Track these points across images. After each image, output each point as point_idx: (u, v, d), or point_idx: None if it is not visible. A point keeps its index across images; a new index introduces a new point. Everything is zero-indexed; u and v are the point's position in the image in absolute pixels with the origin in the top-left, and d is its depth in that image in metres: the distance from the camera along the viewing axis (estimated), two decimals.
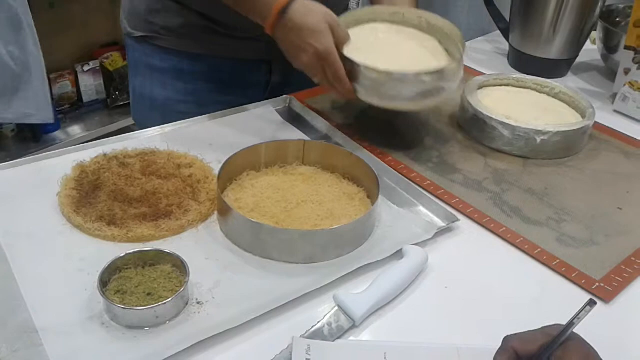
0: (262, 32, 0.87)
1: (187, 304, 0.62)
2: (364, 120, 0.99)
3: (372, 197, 0.76)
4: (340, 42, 0.85)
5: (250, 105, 1.01)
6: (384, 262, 0.69)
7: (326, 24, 0.83)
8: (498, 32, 1.30)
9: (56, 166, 0.80)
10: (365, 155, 0.86)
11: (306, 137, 0.91)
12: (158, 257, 0.65)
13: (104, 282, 0.61)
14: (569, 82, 1.20)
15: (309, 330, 0.60)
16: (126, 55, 1.16)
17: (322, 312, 0.63)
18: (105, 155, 0.83)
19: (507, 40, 1.27)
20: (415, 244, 0.70)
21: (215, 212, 0.75)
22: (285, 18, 0.83)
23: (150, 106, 1.11)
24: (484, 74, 1.12)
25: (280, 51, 0.87)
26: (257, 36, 0.90)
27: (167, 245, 0.69)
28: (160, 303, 0.59)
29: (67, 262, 0.66)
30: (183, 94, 1.07)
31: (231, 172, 0.79)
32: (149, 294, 0.62)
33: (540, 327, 0.52)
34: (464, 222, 0.77)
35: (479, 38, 1.38)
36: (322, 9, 0.85)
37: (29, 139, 2.31)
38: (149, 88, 1.09)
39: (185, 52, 1.04)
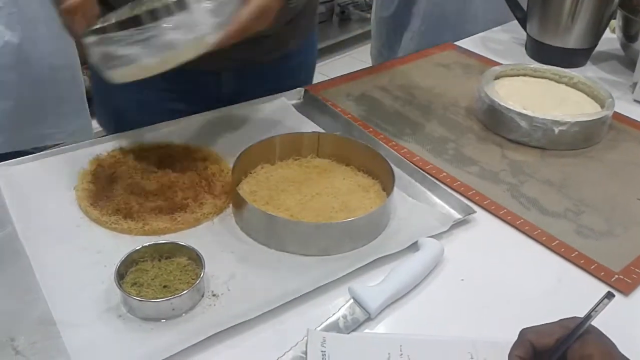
0: None
1: (202, 296, 0.63)
2: (379, 112, 0.98)
3: (387, 189, 0.75)
4: None
5: (265, 98, 1.00)
6: (400, 255, 0.68)
7: None
8: (515, 21, 1.28)
9: (73, 160, 0.81)
10: (380, 147, 0.85)
11: (321, 130, 0.91)
12: (174, 250, 0.66)
13: (121, 275, 0.62)
14: (588, 72, 1.18)
15: (324, 322, 0.60)
16: None
17: (337, 304, 0.62)
18: (121, 148, 0.83)
19: (525, 30, 1.25)
20: (431, 236, 0.70)
21: (230, 205, 0.76)
22: None
23: (105, 112, 1.10)
24: (501, 64, 1.10)
25: (230, 61, 0.82)
26: None
27: (183, 238, 0.69)
28: (176, 295, 0.59)
29: (84, 255, 0.67)
30: (135, 104, 1.00)
31: (246, 165, 0.79)
32: (165, 287, 0.62)
33: (557, 320, 0.52)
34: (480, 214, 0.76)
35: (496, 28, 1.36)
36: None
37: None
38: (103, 94, 1.08)
39: None
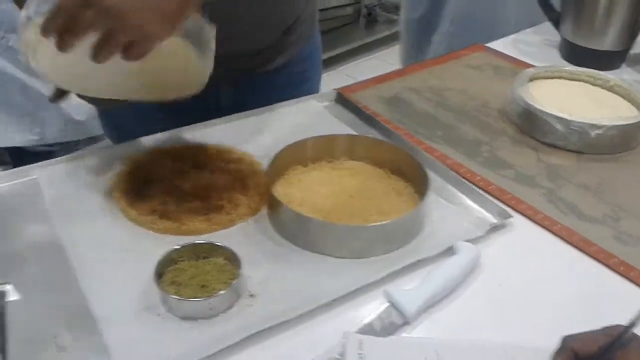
0: None
1: (239, 296, 0.63)
2: (411, 115, 0.98)
3: (421, 192, 0.75)
4: None
5: (295, 100, 1.01)
6: (435, 259, 0.68)
7: None
8: (548, 23, 1.26)
9: (110, 160, 0.82)
10: (413, 149, 0.85)
11: (353, 132, 0.91)
12: (211, 250, 0.66)
13: (159, 274, 0.63)
14: (624, 74, 1.16)
15: (360, 325, 0.60)
16: None
17: (372, 308, 0.62)
18: (157, 149, 0.84)
19: (558, 32, 1.23)
20: (467, 241, 0.69)
21: (265, 207, 0.76)
22: None
23: (106, 125, 1.10)
24: (534, 66, 1.09)
25: (228, 73, 0.82)
26: None
27: (218, 238, 0.70)
28: (214, 295, 0.60)
29: (122, 253, 0.68)
30: (132, 116, 0.97)
31: (279, 167, 0.79)
32: (202, 286, 0.63)
33: (599, 327, 0.51)
34: (516, 219, 0.75)
35: (527, 30, 1.34)
36: None
37: None
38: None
39: None
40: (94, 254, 0.67)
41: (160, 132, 0.89)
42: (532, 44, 1.28)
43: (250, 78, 0.98)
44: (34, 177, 0.79)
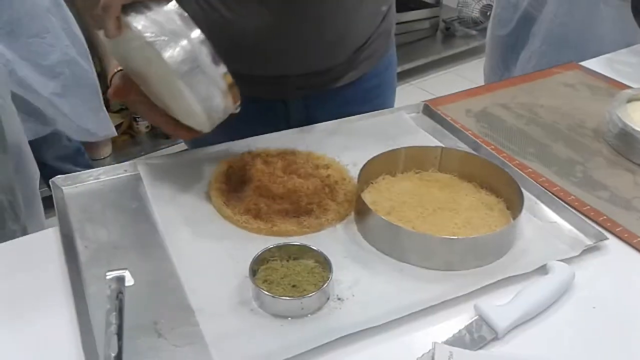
0: (276, 72, 0.82)
1: (328, 299, 0.64)
2: (501, 130, 0.97)
3: (513, 208, 0.74)
4: None
5: (384, 110, 1.02)
6: (526, 277, 0.67)
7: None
8: None
9: (206, 160, 0.86)
10: (505, 165, 0.84)
11: (441, 144, 0.91)
12: (301, 252, 0.68)
13: (253, 271, 0.65)
14: None
15: (450, 337, 0.60)
16: None
17: (460, 320, 0.62)
18: (250, 152, 0.87)
19: None
20: (561, 261, 0.68)
21: (353, 213, 0.77)
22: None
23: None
24: (630, 87, 1.05)
25: (298, 90, 0.81)
26: (272, 77, 0.86)
27: (307, 241, 0.71)
28: (306, 295, 0.61)
29: (218, 249, 0.71)
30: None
31: (368, 175, 0.80)
32: (293, 286, 0.64)
33: None
34: (612, 241, 0.73)
35: (623, 50, 1.30)
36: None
37: (160, 135, 2.47)
38: None
39: None
40: (191, 248, 0.70)
41: (222, 138, 0.89)
42: (629, 64, 1.24)
43: (321, 94, 0.98)
44: (136, 172, 0.83)
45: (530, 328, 0.62)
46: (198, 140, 0.85)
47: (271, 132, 0.93)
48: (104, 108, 1.81)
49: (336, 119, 0.97)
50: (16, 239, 0.74)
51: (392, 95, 1.13)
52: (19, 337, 0.60)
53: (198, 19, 0.66)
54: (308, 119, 0.98)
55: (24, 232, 0.94)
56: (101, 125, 1.80)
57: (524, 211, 0.72)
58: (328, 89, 0.93)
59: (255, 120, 0.95)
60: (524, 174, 0.83)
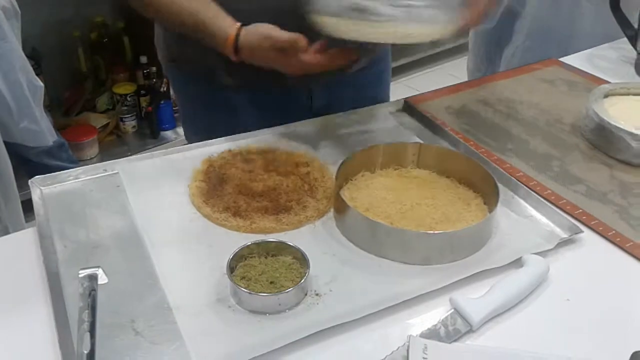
0: None
1: (306, 294, 0.65)
2: (480, 126, 0.97)
3: (490, 203, 0.75)
4: (293, 46, 0.81)
5: (365, 108, 1.02)
6: (502, 270, 0.68)
7: (272, 54, 0.82)
8: (624, 39, 1.23)
9: (186, 159, 0.86)
10: (483, 161, 0.85)
11: (420, 141, 0.91)
12: (279, 249, 0.68)
13: (231, 268, 0.65)
14: None
15: (425, 330, 0.60)
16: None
17: (436, 314, 0.63)
18: (230, 151, 0.88)
19: (635, 48, 1.20)
20: (536, 254, 0.69)
21: (332, 209, 0.78)
22: (241, 53, 0.85)
23: (194, 132, 1.12)
24: (609, 82, 1.07)
25: (321, 76, 0.85)
26: None
27: (286, 238, 0.71)
28: (283, 291, 0.62)
29: (196, 247, 0.71)
30: (223, 125, 0.97)
31: (347, 172, 0.81)
32: (271, 282, 0.65)
33: None
34: (587, 235, 0.74)
35: (603, 45, 1.31)
36: (259, 41, 0.82)
37: (147, 135, 2.47)
38: (192, 115, 1.12)
39: (223, 84, 0.99)
40: (170, 247, 0.71)
41: (251, 127, 0.93)
42: (608, 59, 1.25)
43: (341, 79, 1.00)
44: (115, 171, 0.83)
45: (505, 320, 0.63)
46: (199, 133, 0.91)
47: (296, 119, 0.97)
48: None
49: (351, 102, 0.99)
50: None
51: (388, 85, 1.17)
52: None
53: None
54: (328, 105, 1.02)
55: (6, 233, 0.94)
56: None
57: (500, 206, 0.73)
58: (346, 73, 0.97)
59: (282, 108, 1.01)
60: (501, 169, 0.84)
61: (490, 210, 0.73)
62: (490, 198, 0.76)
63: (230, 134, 0.92)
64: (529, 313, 0.64)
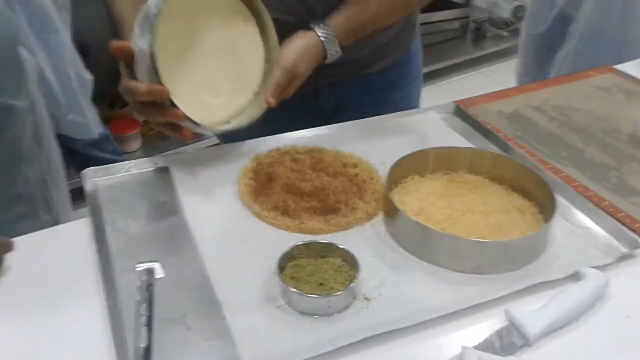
0: None
1: (355, 298, 0.64)
2: (533, 132, 0.95)
3: (546, 212, 0.73)
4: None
5: (414, 110, 1.01)
6: (558, 283, 0.65)
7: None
8: None
9: (233, 156, 0.86)
10: (537, 168, 0.82)
11: (471, 145, 0.89)
12: (328, 250, 0.68)
13: (281, 268, 0.65)
14: None
15: (479, 341, 0.59)
16: None
17: (490, 325, 0.61)
18: (278, 149, 0.87)
19: None
20: (594, 267, 0.66)
21: (381, 212, 0.76)
22: None
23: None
24: None
25: (327, 77, 0.83)
26: None
27: (335, 239, 0.70)
28: (334, 294, 0.61)
29: (245, 245, 0.71)
30: None
31: (397, 174, 0.79)
32: (320, 284, 0.64)
33: None
34: None
35: None
36: None
37: None
38: None
39: None
40: (219, 243, 0.71)
41: (261, 132, 0.90)
42: None
43: (350, 81, 0.98)
44: (165, 166, 0.84)
45: (562, 335, 0.60)
46: (229, 134, 0.86)
47: (303, 118, 0.93)
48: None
49: (364, 105, 0.96)
50: (48, 229, 0.75)
51: (418, 85, 1.13)
52: (50, 326, 0.61)
53: None
54: (338, 106, 0.99)
55: (55, 223, 0.96)
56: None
57: (556, 216, 0.71)
58: (357, 76, 0.94)
59: (287, 108, 0.94)
60: (557, 178, 0.81)
61: (547, 220, 0.71)
62: (545, 207, 0.73)
63: (239, 134, 0.88)
64: (587, 329, 0.61)
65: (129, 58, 0.72)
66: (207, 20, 0.79)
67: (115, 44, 0.72)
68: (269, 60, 0.84)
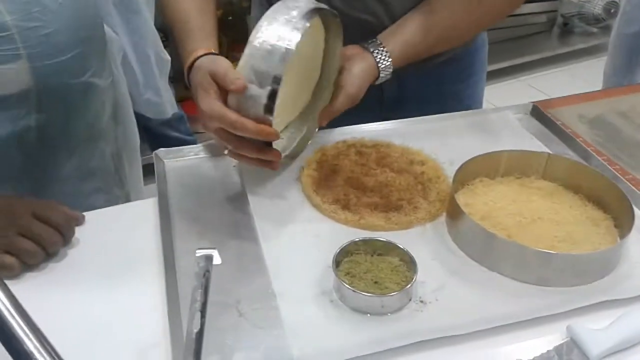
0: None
1: (410, 300, 0.63)
2: (616, 140, 0.90)
3: (622, 226, 0.68)
4: (222, 84, 0.68)
5: (488, 109, 0.97)
6: (628, 302, 0.62)
7: (204, 78, 0.69)
8: None
9: None
10: (617, 179, 0.77)
11: (547, 150, 0.85)
12: (386, 248, 0.67)
13: (337, 263, 0.64)
14: None
15: (537, 356, 0.56)
16: None
17: (550, 340, 0.59)
18: (345, 142, 0.87)
19: None
20: None
21: (444, 214, 0.74)
22: (190, 77, 0.74)
23: None
24: None
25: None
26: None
27: (394, 238, 0.69)
28: (388, 294, 0.60)
29: (303, 236, 0.71)
30: None
31: (465, 176, 0.77)
32: (376, 282, 0.63)
33: None
34: None
35: None
36: (208, 61, 0.71)
37: None
38: None
39: None
40: (278, 232, 0.71)
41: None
42: None
43: (413, 72, 0.94)
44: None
45: (627, 357, 0.57)
46: None
47: (366, 111, 0.90)
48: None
49: (427, 96, 0.95)
50: (118, 206, 0.78)
51: (483, 76, 1.09)
52: (109, 302, 0.63)
53: None
54: (401, 97, 0.97)
55: (127, 199, 1.00)
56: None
57: (633, 231, 0.66)
58: (420, 67, 0.92)
59: None
60: (637, 190, 0.76)
61: (622, 235, 0.66)
62: (622, 221, 0.69)
63: None
64: None
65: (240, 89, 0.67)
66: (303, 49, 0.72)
67: (231, 74, 0.67)
68: (322, 78, 0.83)
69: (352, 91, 0.80)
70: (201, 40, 0.76)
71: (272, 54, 0.66)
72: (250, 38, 0.67)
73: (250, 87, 0.66)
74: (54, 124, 0.81)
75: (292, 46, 0.66)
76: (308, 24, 0.67)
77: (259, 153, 0.70)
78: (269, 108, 0.66)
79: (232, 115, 0.67)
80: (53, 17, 0.75)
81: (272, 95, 0.66)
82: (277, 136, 0.68)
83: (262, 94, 0.66)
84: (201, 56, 0.73)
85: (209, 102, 0.68)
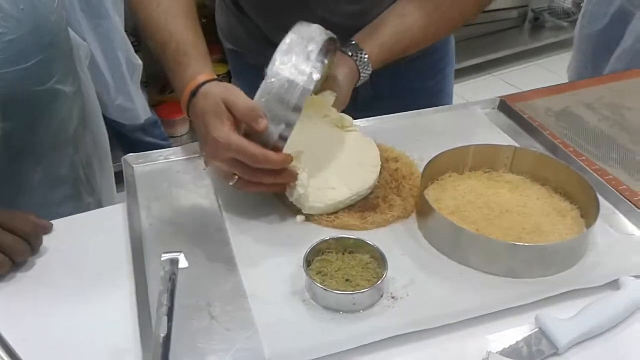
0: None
1: (381, 296, 0.63)
2: (582, 132, 0.91)
3: (588, 216, 0.70)
4: (242, 119, 0.67)
5: (457, 105, 0.98)
6: (595, 291, 0.63)
7: (217, 106, 0.67)
8: None
9: None
10: (582, 170, 0.79)
11: (515, 143, 0.87)
12: (357, 246, 0.67)
13: (308, 262, 0.65)
14: None
15: (506, 347, 0.57)
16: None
17: (519, 331, 0.59)
18: None
19: None
20: (635, 276, 0.63)
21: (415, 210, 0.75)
22: (193, 102, 0.71)
23: None
24: None
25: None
26: None
27: (366, 235, 0.70)
28: (359, 291, 0.61)
29: (275, 236, 0.71)
30: None
31: (433, 171, 0.78)
32: (347, 280, 0.64)
33: None
34: None
35: None
36: (219, 89, 0.69)
37: None
38: None
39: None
40: (249, 233, 0.71)
41: None
42: None
43: (385, 71, 0.93)
44: (203, 153, 0.84)
45: (594, 346, 0.58)
46: None
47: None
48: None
49: (401, 94, 0.96)
50: (86, 212, 0.77)
51: (452, 71, 1.12)
52: (79, 309, 0.62)
53: None
54: (374, 96, 0.99)
55: (99, 206, 0.99)
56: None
57: (599, 220, 0.68)
58: (391, 65, 0.93)
59: None
60: (602, 180, 0.78)
61: (588, 225, 0.68)
62: (588, 211, 0.70)
63: None
64: (621, 340, 0.59)
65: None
66: None
67: (253, 110, 0.66)
68: None
69: (342, 98, 0.83)
70: (202, 65, 0.74)
71: (289, 91, 0.66)
72: (268, 71, 0.67)
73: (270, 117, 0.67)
74: (20, 132, 0.80)
75: (311, 86, 0.66)
76: (326, 61, 0.69)
77: (277, 177, 0.69)
78: (284, 137, 0.67)
79: (256, 150, 0.65)
80: (15, 23, 0.74)
81: (289, 128, 0.67)
82: (292, 159, 0.68)
83: (277, 130, 0.67)
84: (205, 82, 0.71)
85: (226, 132, 0.66)
